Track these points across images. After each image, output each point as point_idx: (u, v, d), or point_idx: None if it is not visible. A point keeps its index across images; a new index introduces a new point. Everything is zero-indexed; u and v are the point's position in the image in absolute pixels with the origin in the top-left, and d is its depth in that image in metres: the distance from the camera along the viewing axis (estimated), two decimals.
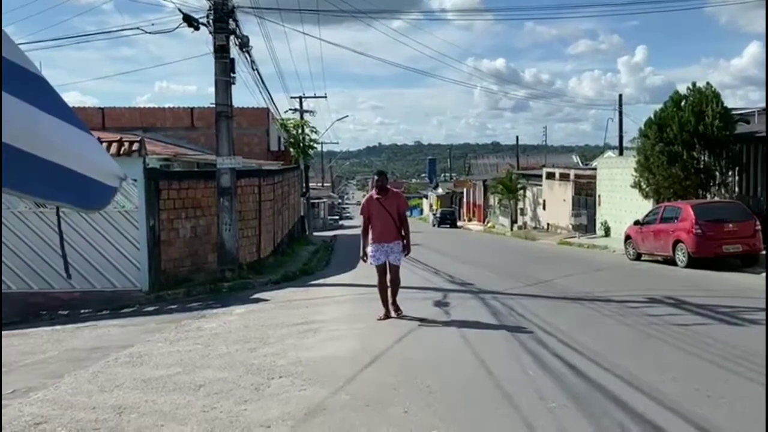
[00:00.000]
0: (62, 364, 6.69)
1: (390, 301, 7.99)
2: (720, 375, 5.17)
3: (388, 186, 8.18)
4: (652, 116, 17.98)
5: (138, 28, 12.97)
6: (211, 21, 12.52)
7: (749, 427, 3.92)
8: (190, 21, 12.02)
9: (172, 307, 11.03)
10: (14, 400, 5.32)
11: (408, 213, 9.16)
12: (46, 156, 1.43)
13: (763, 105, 17.94)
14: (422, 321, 7.77)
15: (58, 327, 9.71)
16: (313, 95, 39.05)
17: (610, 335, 6.92)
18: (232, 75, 13.05)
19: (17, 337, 8.85)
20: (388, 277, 7.94)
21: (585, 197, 28.71)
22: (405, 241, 7.92)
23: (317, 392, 4.90)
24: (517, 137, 55.98)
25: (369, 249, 7.88)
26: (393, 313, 7.92)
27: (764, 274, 11.78)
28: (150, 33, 12.65)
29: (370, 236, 7.93)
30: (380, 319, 7.84)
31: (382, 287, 8.00)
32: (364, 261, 8.05)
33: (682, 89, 18.09)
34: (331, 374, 5.41)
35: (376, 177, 8.33)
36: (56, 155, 1.47)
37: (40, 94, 1.54)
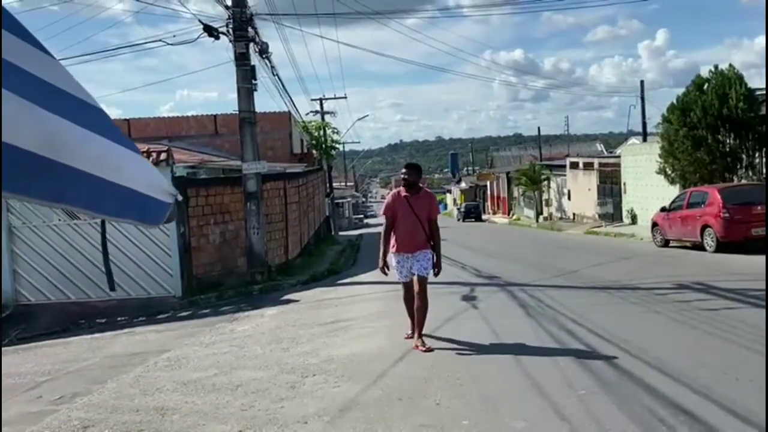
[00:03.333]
0: (104, 370, 6.94)
1: (415, 335, 6.34)
2: (749, 358, 5.20)
3: (421, 183, 6.62)
4: (674, 101, 17.83)
5: (161, 40, 13.27)
6: (230, 30, 12.75)
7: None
8: (210, 31, 12.27)
9: (205, 311, 11.28)
10: (62, 405, 5.56)
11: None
12: (115, 179, 1.62)
13: None
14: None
15: (97, 335, 10.00)
16: (333, 96, 39.34)
17: (639, 322, 6.96)
18: (253, 82, 13.27)
19: (60, 346, 9.17)
20: (415, 292, 6.32)
21: (610, 185, 28.49)
22: (435, 256, 6.37)
23: (351, 388, 5.04)
24: (538, 128, 55.55)
25: (393, 259, 6.41)
26: (419, 347, 6.17)
27: None
28: (173, 44, 12.93)
29: (393, 243, 6.43)
30: (409, 337, 6.49)
31: (406, 297, 6.49)
32: (384, 273, 6.41)
33: (706, 72, 17.94)
34: (363, 370, 5.55)
35: (404, 171, 6.47)
36: (122, 178, 1.67)
37: (103, 123, 1.73)
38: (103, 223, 2.78)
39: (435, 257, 6.36)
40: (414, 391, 4.81)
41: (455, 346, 6.28)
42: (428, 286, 6.40)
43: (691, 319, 6.82)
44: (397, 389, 4.89)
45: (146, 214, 1.94)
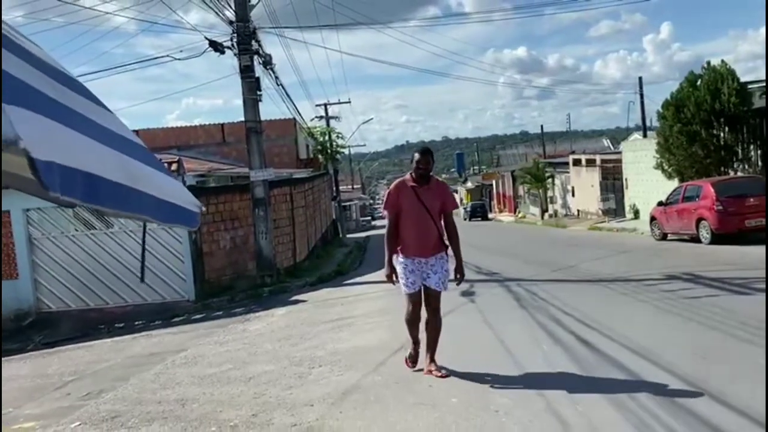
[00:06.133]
0: (126, 369, 7.44)
1: (427, 358, 5.33)
2: (718, 338, 5.66)
3: (432, 174, 5.33)
4: (668, 97, 18.23)
5: (168, 55, 13.83)
6: (235, 44, 13.29)
7: (731, 378, 4.43)
8: (215, 46, 12.83)
9: (218, 313, 11.80)
10: (90, 400, 6.06)
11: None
12: (165, 198, 2.24)
13: None
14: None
15: (116, 338, 10.55)
16: (337, 101, 40.14)
17: (624, 311, 7.40)
18: (258, 93, 13.82)
19: (83, 350, 9.71)
20: (424, 310, 5.31)
21: (612, 181, 28.84)
22: (455, 257, 5.26)
23: (353, 376, 5.53)
24: (542, 126, 55.84)
25: (398, 265, 5.26)
26: (434, 371, 5.18)
27: None
28: (180, 59, 13.49)
29: (399, 246, 5.26)
30: (412, 365, 5.46)
31: (412, 318, 5.31)
32: (393, 283, 5.31)
33: (705, 66, 18.23)
34: (365, 361, 6.04)
35: (417, 156, 5.18)
36: (169, 196, 2.30)
37: (150, 157, 2.38)
38: (144, 230, 3.60)
39: (457, 262, 5.25)
40: (410, 376, 5.29)
41: (450, 337, 6.72)
42: None
43: (674, 307, 7.26)
44: (395, 375, 5.37)
45: (186, 221, 2.71)
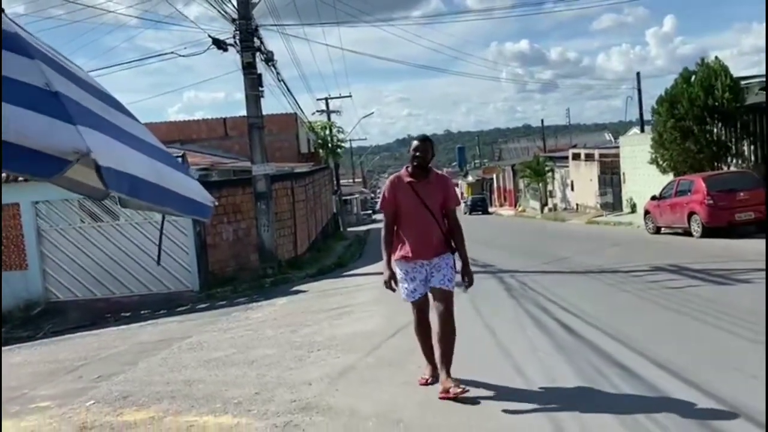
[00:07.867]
0: (134, 355, 7.81)
1: (443, 370, 4.52)
2: (690, 325, 6.04)
3: (431, 166, 4.75)
4: (663, 93, 18.54)
5: (173, 52, 14.21)
6: (237, 41, 13.64)
7: (693, 359, 4.82)
8: (218, 44, 13.18)
9: (222, 303, 12.18)
10: (101, 382, 6.42)
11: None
12: (185, 194, 2.65)
13: None
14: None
15: (123, 326, 10.93)
16: (338, 95, 40.42)
17: (607, 300, 7.79)
18: (260, 89, 14.19)
19: (91, 337, 10.09)
20: (435, 315, 4.66)
21: (610, 176, 29.15)
22: (460, 259, 4.72)
23: (349, 358, 5.91)
24: (542, 120, 56.22)
25: (397, 270, 4.66)
26: (451, 389, 4.35)
27: None
28: (184, 56, 13.86)
29: (397, 248, 4.65)
30: (426, 384, 4.76)
31: (420, 328, 4.80)
32: (392, 289, 4.63)
33: (699, 63, 18.51)
34: (360, 345, 6.42)
35: (415, 143, 4.64)
36: (188, 192, 2.70)
37: (171, 159, 2.78)
38: (162, 220, 4.12)
39: (463, 262, 4.71)
40: (401, 359, 5.67)
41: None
42: None
43: (655, 296, 7.63)
44: (388, 358, 5.77)
45: (202, 213, 3.15)
